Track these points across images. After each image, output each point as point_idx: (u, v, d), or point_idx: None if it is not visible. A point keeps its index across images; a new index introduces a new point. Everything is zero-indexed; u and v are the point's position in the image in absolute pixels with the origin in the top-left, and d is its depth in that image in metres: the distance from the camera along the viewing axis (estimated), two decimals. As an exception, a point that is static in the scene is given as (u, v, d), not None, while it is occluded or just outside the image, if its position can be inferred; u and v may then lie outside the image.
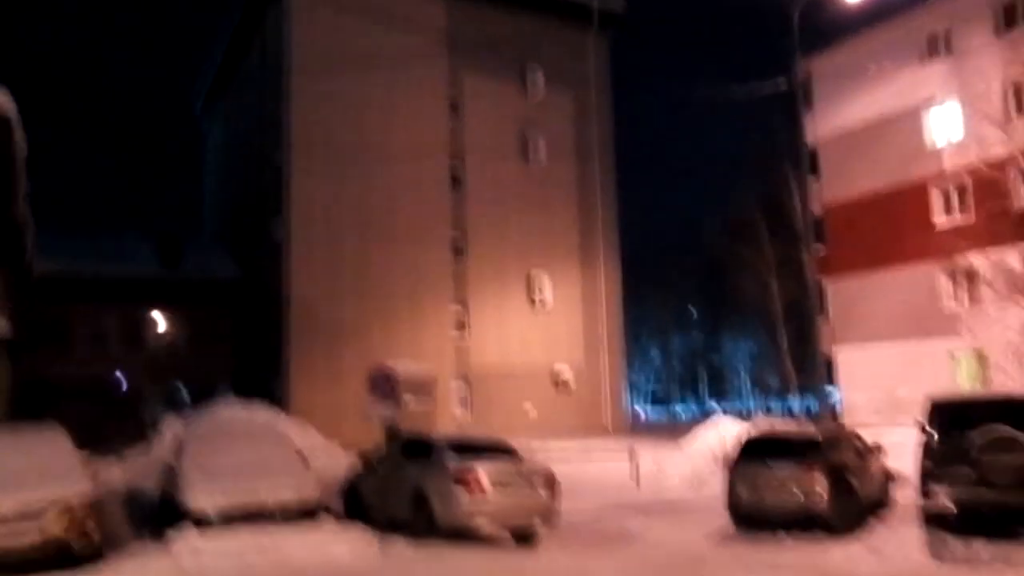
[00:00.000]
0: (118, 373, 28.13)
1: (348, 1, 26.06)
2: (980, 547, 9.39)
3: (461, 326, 28.77)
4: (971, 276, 24.27)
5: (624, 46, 42.41)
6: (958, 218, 24.94)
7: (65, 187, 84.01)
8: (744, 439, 12.16)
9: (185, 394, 30.71)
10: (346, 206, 27.03)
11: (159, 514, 11.12)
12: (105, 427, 24.94)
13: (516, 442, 12.07)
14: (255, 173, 31.02)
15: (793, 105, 25.21)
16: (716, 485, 12.20)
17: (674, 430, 28.24)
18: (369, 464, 12.62)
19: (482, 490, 10.15)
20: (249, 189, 32.02)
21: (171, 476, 10.91)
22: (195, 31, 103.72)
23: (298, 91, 26.80)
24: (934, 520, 10.47)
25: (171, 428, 15.00)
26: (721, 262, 39.08)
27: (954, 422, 10.67)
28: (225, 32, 34.43)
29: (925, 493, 10.55)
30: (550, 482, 10.75)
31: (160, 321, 31.39)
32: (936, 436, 10.69)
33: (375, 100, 27.80)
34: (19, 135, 13.77)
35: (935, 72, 25.91)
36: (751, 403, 62.02)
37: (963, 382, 24.32)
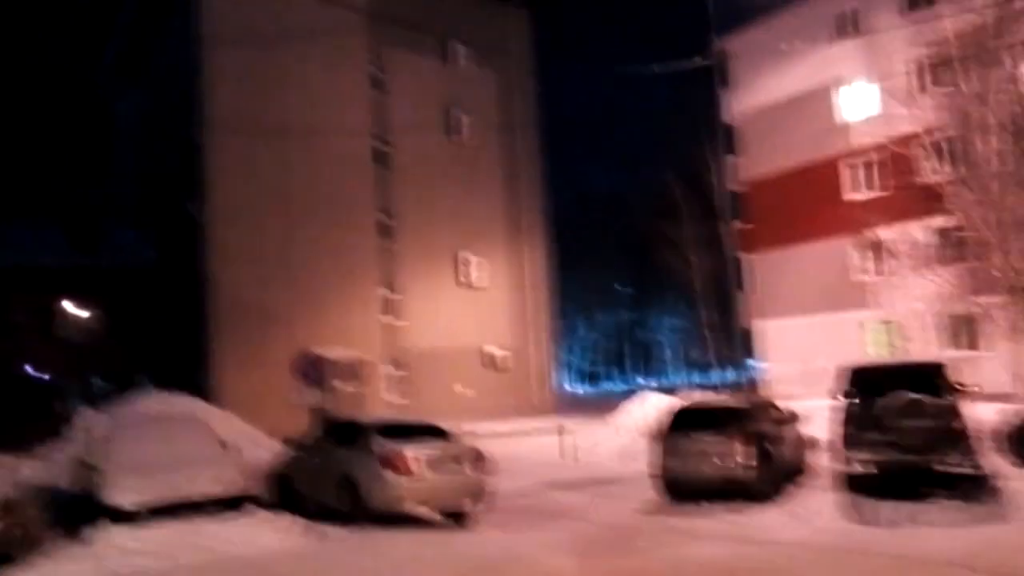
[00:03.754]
0: (30, 370, 26.90)
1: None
2: (893, 509, 9.89)
3: (390, 308, 28.51)
4: (879, 249, 25.32)
5: (546, 21, 42.45)
6: (868, 193, 25.94)
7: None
8: (669, 411, 12.47)
9: (102, 386, 29.63)
10: (267, 186, 26.34)
11: (77, 512, 10.75)
12: (17, 422, 23.90)
13: (447, 423, 12.09)
14: (170, 151, 29.88)
15: (711, 82, 25.76)
16: (645, 459, 12.49)
17: (603, 406, 28.69)
18: (297, 450, 12.44)
19: (412, 472, 10.14)
20: (164, 168, 30.84)
21: (88, 472, 10.55)
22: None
23: (213, 65, 25.85)
24: (850, 483, 10.97)
25: (87, 422, 14.48)
26: (646, 238, 39.68)
27: (867, 389, 11.19)
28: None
29: (841, 458, 11.05)
30: (481, 462, 10.81)
31: (74, 310, 30.12)
32: (850, 403, 11.19)
33: (294, 75, 27.09)
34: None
35: (845, 51, 26.75)
36: (677, 377, 63.50)
37: (874, 351, 25.45)
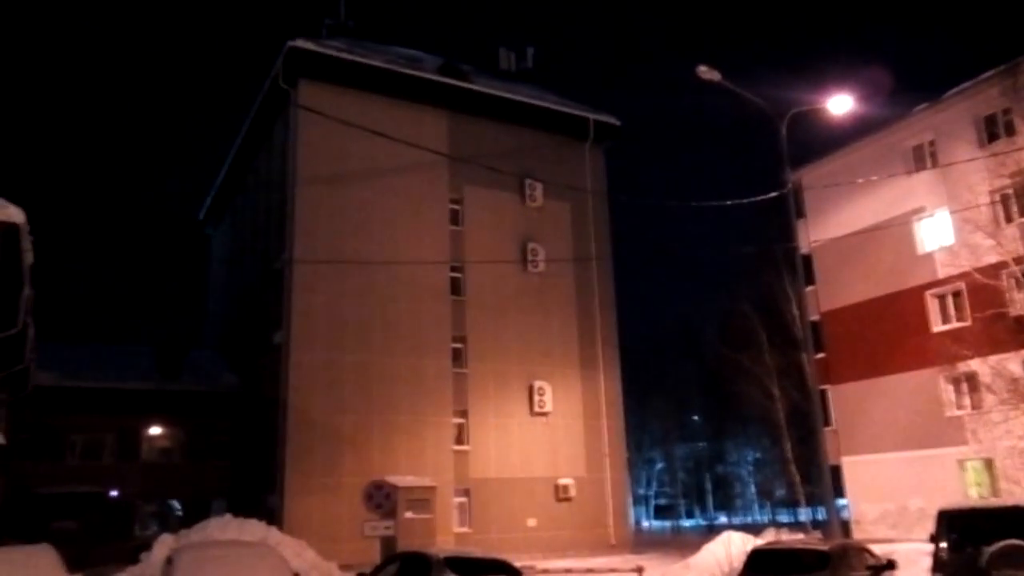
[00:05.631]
0: (111, 492, 27.54)
1: (352, 116, 27.00)
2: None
3: (461, 436, 28.37)
4: (973, 382, 24.13)
5: (620, 155, 43.72)
6: (956, 324, 24.99)
7: (67, 296, 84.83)
8: (751, 551, 11.83)
9: (179, 510, 30.04)
10: (347, 315, 27.15)
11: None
12: (96, 544, 24.30)
13: (517, 559, 11.74)
14: (257, 282, 31.36)
15: (785, 213, 25.79)
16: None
17: (681, 544, 27.44)
18: (365, 584, 12.22)
19: (481, 611, 9.81)
20: (251, 297, 32.29)
21: (160, 598, 10.55)
22: (201, 144, 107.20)
23: (301, 202, 27.39)
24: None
25: (162, 548, 14.62)
26: (721, 368, 38.87)
27: (964, 534, 10.45)
28: (231, 144, 35.62)
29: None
30: (552, 602, 10.40)
31: (156, 433, 31.01)
32: (946, 548, 10.44)
33: (377, 210, 28.42)
34: (27, 243, 14.04)
35: (923, 182, 26.56)
36: (758, 515, 60.34)
37: (972, 491, 23.79)
